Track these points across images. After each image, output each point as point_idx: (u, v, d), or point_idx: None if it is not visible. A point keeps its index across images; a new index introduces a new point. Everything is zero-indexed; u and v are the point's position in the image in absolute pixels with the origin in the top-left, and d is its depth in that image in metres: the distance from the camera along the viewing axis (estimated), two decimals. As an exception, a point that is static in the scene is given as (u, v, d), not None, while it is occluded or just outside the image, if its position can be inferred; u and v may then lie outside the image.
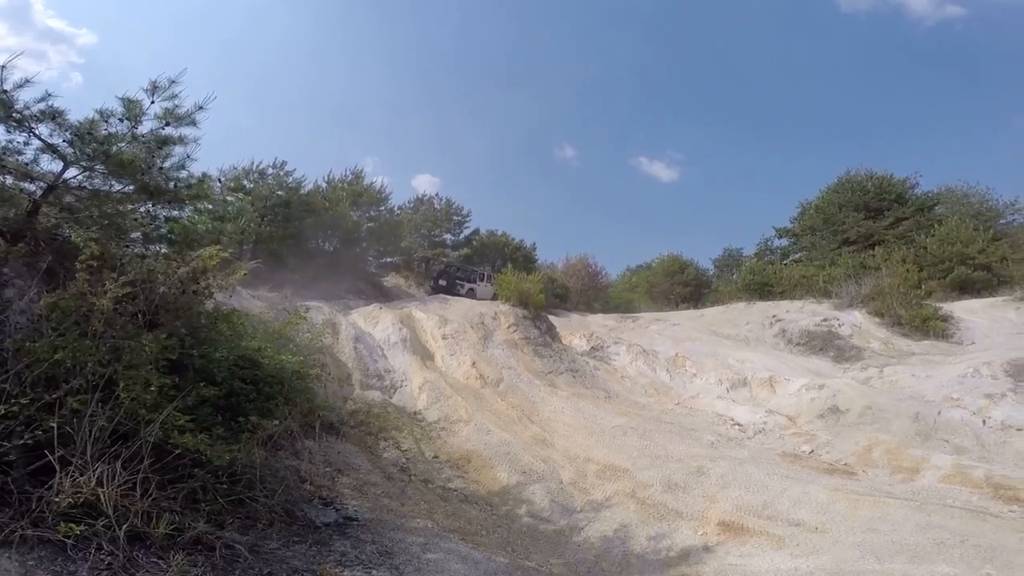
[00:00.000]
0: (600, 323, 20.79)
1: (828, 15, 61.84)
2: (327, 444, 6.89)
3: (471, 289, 19.77)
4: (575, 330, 17.45)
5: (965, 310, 16.34)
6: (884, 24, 61.03)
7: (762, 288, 25.41)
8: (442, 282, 20.62)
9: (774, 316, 19.95)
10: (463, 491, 6.72)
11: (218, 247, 4.97)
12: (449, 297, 16.93)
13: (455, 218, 24.04)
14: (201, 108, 4.90)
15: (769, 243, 32.72)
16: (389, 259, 22.69)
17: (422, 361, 11.04)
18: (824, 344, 16.26)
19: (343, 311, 12.97)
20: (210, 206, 7.00)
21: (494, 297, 21.00)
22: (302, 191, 16.99)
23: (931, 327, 15.19)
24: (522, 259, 27.38)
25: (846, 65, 64.25)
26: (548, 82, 67.31)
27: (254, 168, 16.38)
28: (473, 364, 10.79)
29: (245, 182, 16.25)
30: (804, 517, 5.27)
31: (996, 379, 9.36)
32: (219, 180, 14.36)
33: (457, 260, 23.19)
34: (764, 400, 11.41)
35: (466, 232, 24.49)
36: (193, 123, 4.89)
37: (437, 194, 24.24)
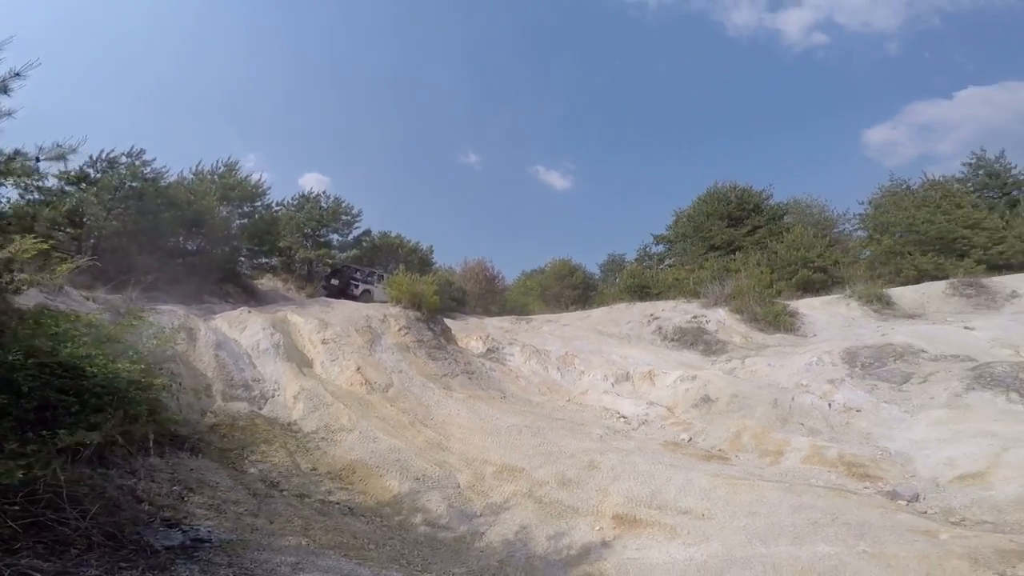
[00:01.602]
0: (496, 325, 20.61)
1: (716, 38, 68.84)
2: (177, 461, 6.00)
3: (367, 291, 18.45)
4: (472, 332, 17.05)
5: (807, 307, 18.64)
6: (762, 48, 69.44)
7: (641, 290, 27.11)
8: (334, 282, 19.04)
9: (651, 315, 21.22)
10: (347, 503, 5.94)
11: (34, 237, 4.25)
12: (332, 300, 15.56)
13: (344, 217, 22.32)
14: (18, 75, 4.05)
15: (648, 249, 35.23)
16: (266, 260, 20.46)
17: (298, 368, 9.85)
18: (694, 339, 17.57)
19: (204, 315, 11.21)
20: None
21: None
22: (161, 182, 14.55)
23: (781, 322, 17.09)
24: (418, 262, 26.38)
25: (727, 84, 72.04)
26: (453, 88, 66.62)
27: (103, 156, 13.66)
28: (358, 369, 9.84)
29: (91, 171, 13.49)
30: (691, 504, 5.32)
31: (835, 366, 10.58)
32: (37, 159, 11.66)
33: (348, 261, 21.61)
34: (645, 393, 11.88)
35: (356, 232, 22.88)
36: (4, 91, 4.03)
37: (325, 192, 22.37)
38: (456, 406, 9.06)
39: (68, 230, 12.95)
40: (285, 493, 5.93)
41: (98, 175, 13.17)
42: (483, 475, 6.50)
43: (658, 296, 25.79)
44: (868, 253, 23.98)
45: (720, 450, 7.65)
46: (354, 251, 22.49)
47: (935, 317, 15.82)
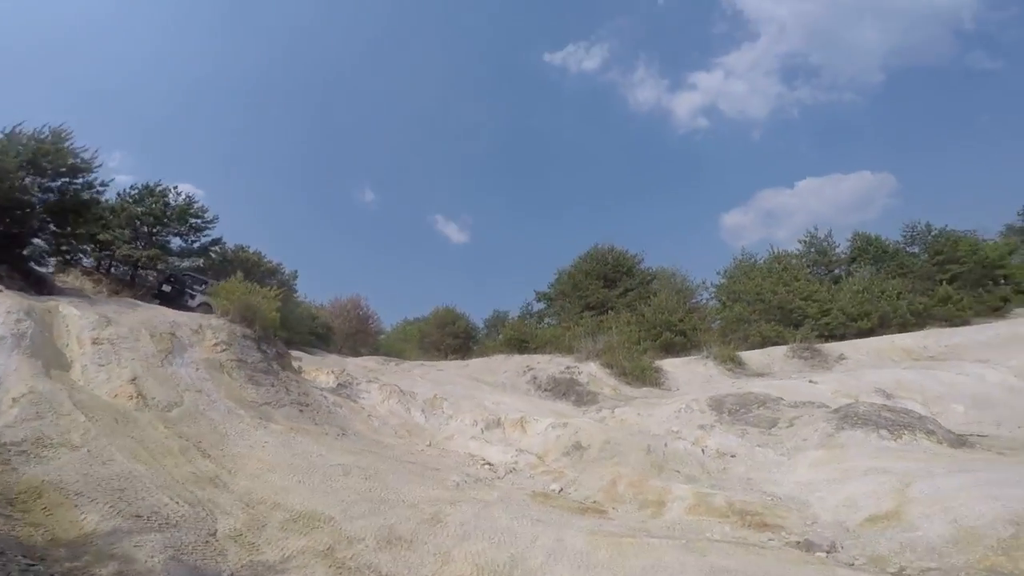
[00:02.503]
0: (360, 364, 17.96)
1: (620, 110, 74.88)
2: None
3: (206, 304, 14.82)
4: (325, 366, 14.34)
5: (670, 365, 19.02)
6: (656, 124, 76.88)
7: (520, 343, 26.32)
8: (166, 288, 15.26)
9: (528, 367, 20.25)
10: None
11: None
12: (143, 304, 12.04)
13: (193, 220, 18.60)
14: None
15: (530, 307, 35.08)
16: (75, 253, 16.02)
17: (44, 368, 6.80)
18: (567, 389, 16.71)
19: None
20: None
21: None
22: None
23: (647, 376, 17.04)
24: (276, 286, 22.87)
25: (623, 153, 78.34)
26: (359, 116, 63.85)
27: None
28: (133, 380, 7.07)
29: None
30: (564, 574, 3.72)
31: (703, 412, 10.09)
32: None
33: (188, 270, 17.73)
34: (516, 440, 10.35)
35: (204, 240, 19.10)
36: None
37: (175, 187, 18.55)
38: (266, 438, 6.68)
39: None
40: None
41: None
42: (264, 522, 4.33)
43: (536, 350, 25.17)
44: (719, 322, 25.99)
45: (595, 502, 6.27)
46: (198, 260, 18.64)
47: (780, 375, 16.84)
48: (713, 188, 78.22)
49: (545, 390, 16.90)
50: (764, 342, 22.02)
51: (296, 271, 24.54)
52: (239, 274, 11.52)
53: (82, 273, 15.59)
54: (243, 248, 21.59)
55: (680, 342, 22.69)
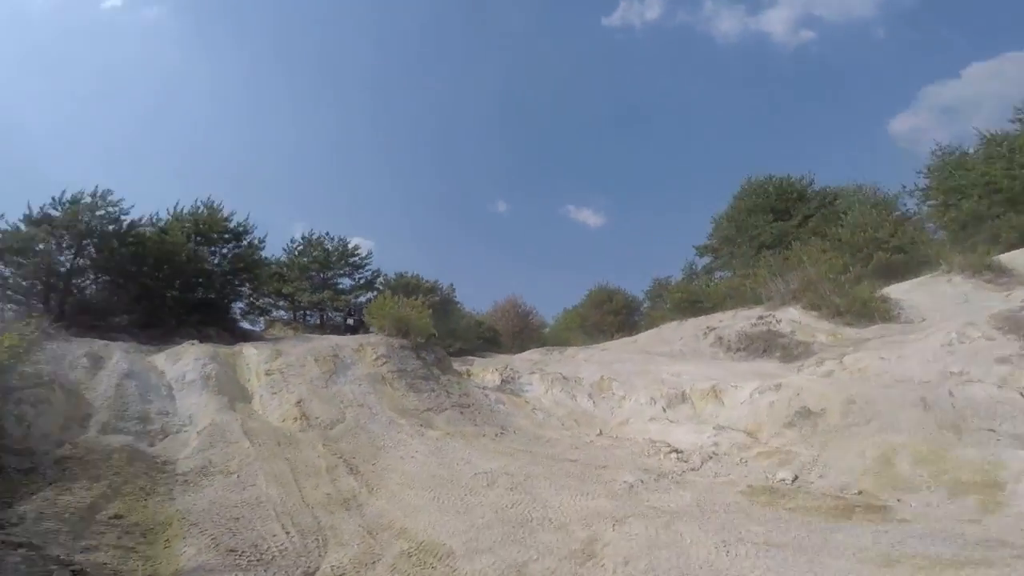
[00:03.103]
0: (524, 358, 17.38)
1: (707, 50, 64.70)
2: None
3: None
4: (491, 365, 13.93)
5: (898, 292, 14.50)
6: (755, 51, 64.60)
7: (693, 305, 23.17)
8: (350, 321, 16.61)
9: (707, 327, 17.44)
10: (80, 566, 3.05)
11: None
12: (318, 336, 13.03)
13: (352, 259, 20.38)
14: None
15: (693, 266, 31.16)
16: (268, 308, 18.63)
17: (230, 403, 7.29)
18: (767, 345, 13.65)
19: (151, 351, 8.91)
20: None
21: None
22: (124, 221, 12.58)
23: (873, 309, 13.07)
24: (440, 302, 23.97)
25: (735, 92, 67.39)
26: (481, 141, 66.33)
27: (62, 197, 12.18)
28: (298, 402, 7.17)
29: (52, 211, 12.01)
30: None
31: (993, 339, 6.78)
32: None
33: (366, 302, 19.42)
34: (711, 415, 8.32)
35: (366, 275, 20.77)
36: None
37: (327, 233, 20.61)
38: (419, 446, 6.07)
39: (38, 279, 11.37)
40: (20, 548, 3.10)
41: (58, 214, 11.62)
42: (377, 557, 3.44)
43: (712, 309, 21.89)
44: (940, 232, 19.44)
45: (860, 492, 4.12)
46: (369, 293, 20.28)
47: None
48: (858, 97, 60.78)
49: (736, 350, 14.10)
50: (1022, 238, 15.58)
51: (452, 284, 25.28)
52: (387, 292, 11.61)
53: (284, 325, 17.84)
54: (402, 274, 23.04)
55: (900, 261, 17.33)
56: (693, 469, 5.66)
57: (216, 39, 53.80)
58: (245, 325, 16.49)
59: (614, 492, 4.58)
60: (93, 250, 11.91)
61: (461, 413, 8.20)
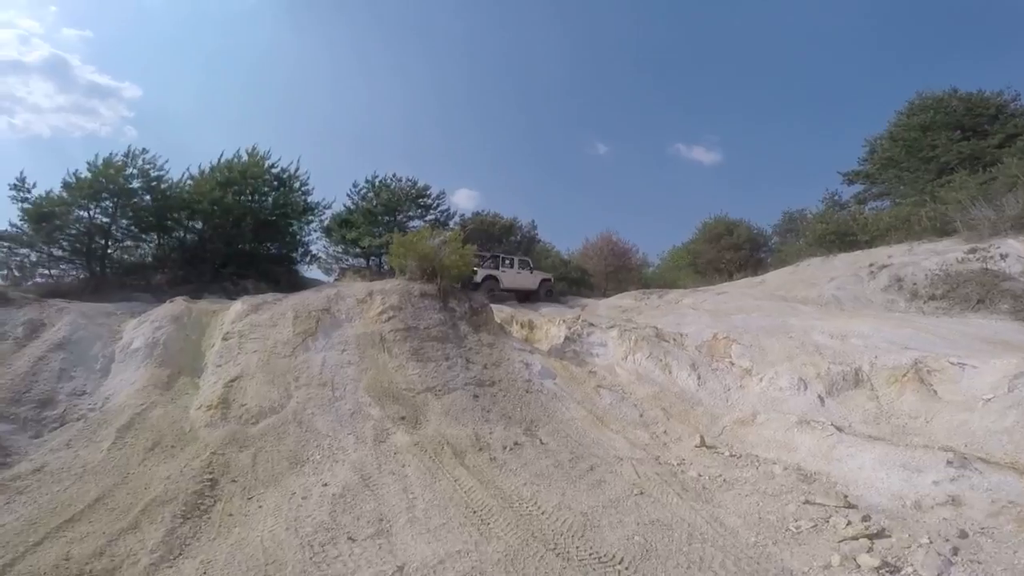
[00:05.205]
0: (612, 304, 13.88)
1: None
2: None
3: (491, 277, 12.97)
4: (561, 317, 10.85)
5: None
6: None
7: (842, 239, 17.40)
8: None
9: (871, 264, 12.33)
10: None
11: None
12: (338, 283, 10.88)
13: (422, 200, 18.10)
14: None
15: (836, 196, 24.01)
16: (344, 261, 17.29)
17: (168, 380, 5.36)
18: (985, 292, 8.66)
19: (135, 312, 7.37)
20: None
21: (548, 293, 14.63)
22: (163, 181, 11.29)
23: None
24: (521, 242, 21.07)
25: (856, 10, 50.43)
26: (573, 85, 59.46)
27: (96, 160, 11.06)
28: (232, 381, 4.89)
29: (86, 175, 11.04)
30: None
31: None
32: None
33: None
34: (916, 421, 4.43)
35: (433, 215, 18.39)
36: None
37: (395, 174, 18.41)
38: (346, 474, 3.42)
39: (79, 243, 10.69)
40: None
41: (88, 176, 10.64)
42: None
43: (868, 244, 16.09)
44: None
45: None
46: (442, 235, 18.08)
47: None
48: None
49: (930, 298, 9.22)
50: None
51: (533, 220, 22.18)
52: (426, 225, 8.90)
53: (354, 272, 16.24)
54: (479, 214, 20.44)
55: None
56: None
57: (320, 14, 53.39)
58: (313, 275, 15.33)
59: None
60: (129, 210, 10.84)
61: (475, 397, 5.31)
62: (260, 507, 3.30)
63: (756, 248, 22.48)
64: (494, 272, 13.23)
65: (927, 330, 6.92)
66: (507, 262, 13.91)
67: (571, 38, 54.50)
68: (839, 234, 17.77)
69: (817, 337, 6.88)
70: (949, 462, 3.43)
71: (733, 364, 6.74)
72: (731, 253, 21.68)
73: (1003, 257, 9.56)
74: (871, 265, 12.03)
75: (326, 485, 3.49)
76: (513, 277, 13.66)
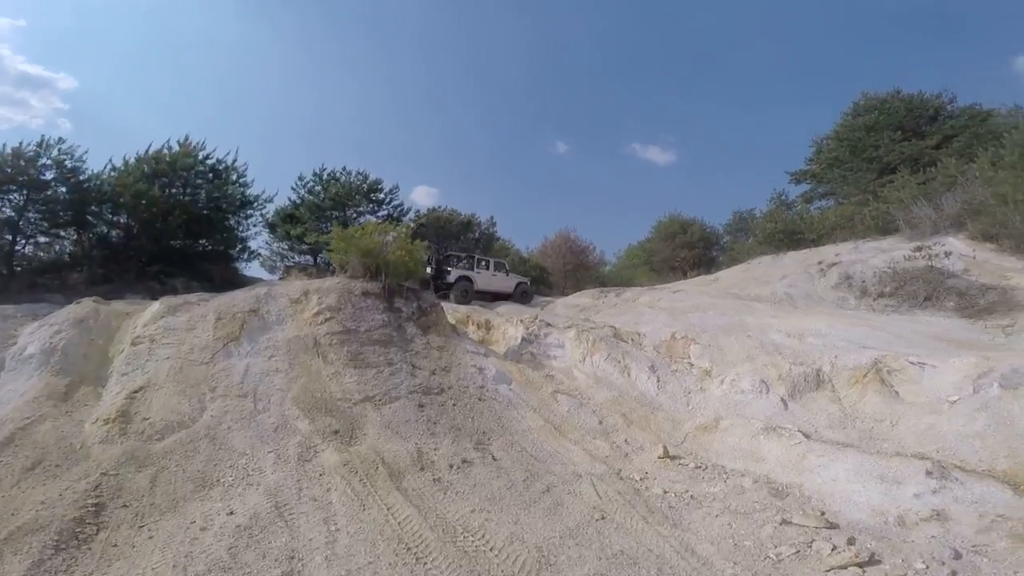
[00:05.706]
0: (569, 303, 13.55)
1: None
2: None
3: (464, 278, 12.32)
4: (519, 316, 10.37)
5: None
6: None
7: (790, 237, 17.90)
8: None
9: (820, 262, 12.59)
10: None
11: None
12: (269, 282, 10.03)
13: (374, 195, 17.15)
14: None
15: (783, 196, 24.86)
16: (290, 259, 16.17)
17: (66, 391, 4.55)
18: (932, 290, 8.86)
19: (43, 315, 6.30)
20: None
21: (524, 295, 13.74)
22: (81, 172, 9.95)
23: None
24: (480, 239, 20.48)
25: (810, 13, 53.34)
26: (534, 82, 59.25)
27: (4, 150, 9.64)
28: (135, 392, 4.18)
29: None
30: None
31: None
32: None
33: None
34: (880, 425, 4.24)
35: (387, 211, 17.50)
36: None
37: (344, 168, 17.35)
38: (258, 500, 2.75)
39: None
40: None
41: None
42: None
43: (814, 243, 16.60)
44: None
45: None
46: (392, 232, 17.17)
47: None
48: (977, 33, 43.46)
49: (879, 295, 9.42)
50: None
51: (492, 217, 21.61)
52: (369, 219, 8.19)
53: (299, 271, 15.15)
54: (434, 210, 19.66)
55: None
56: None
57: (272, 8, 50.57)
58: (255, 273, 14.12)
59: None
60: (40, 203, 9.50)
61: (421, 407, 4.75)
62: (151, 538, 2.66)
63: (709, 247, 22.90)
64: (468, 273, 12.62)
65: (881, 328, 6.93)
66: (482, 263, 13.32)
67: (532, 34, 54.38)
68: (787, 232, 18.28)
69: (775, 336, 6.74)
70: (928, 472, 3.20)
71: (692, 365, 6.49)
72: (685, 251, 21.99)
73: (947, 255, 9.89)
74: (820, 263, 12.30)
75: (232, 513, 2.86)
76: (488, 279, 13.09)
